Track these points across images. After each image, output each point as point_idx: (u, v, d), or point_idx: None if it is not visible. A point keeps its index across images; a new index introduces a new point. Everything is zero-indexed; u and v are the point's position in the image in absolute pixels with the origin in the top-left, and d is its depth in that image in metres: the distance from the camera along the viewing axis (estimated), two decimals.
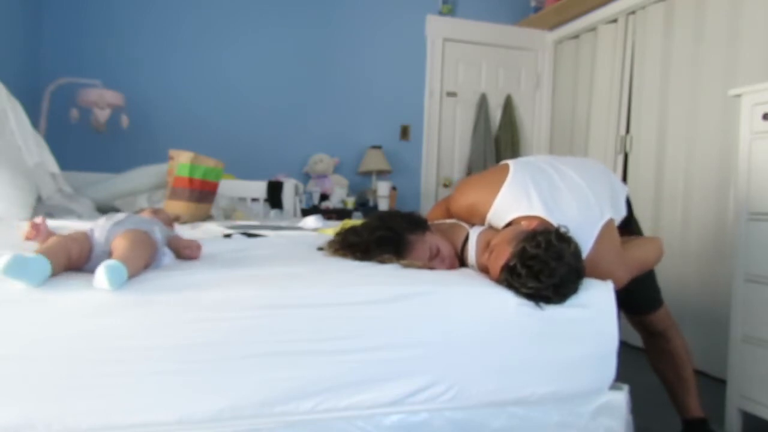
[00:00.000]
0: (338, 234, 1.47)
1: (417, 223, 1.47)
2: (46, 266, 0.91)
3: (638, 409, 1.34)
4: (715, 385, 2.51)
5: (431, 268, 1.37)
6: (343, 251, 1.40)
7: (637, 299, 1.71)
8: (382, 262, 1.33)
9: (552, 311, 1.18)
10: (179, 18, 3.67)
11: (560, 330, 1.18)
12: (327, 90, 3.99)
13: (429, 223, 1.53)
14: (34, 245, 1.13)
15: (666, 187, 3.15)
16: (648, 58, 3.34)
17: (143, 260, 1.05)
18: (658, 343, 1.82)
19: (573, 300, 1.19)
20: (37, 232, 1.11)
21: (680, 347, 1.80)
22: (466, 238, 1.49)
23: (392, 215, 1.50)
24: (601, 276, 1.30)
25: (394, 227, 1.42)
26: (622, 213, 1.56)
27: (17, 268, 0.87)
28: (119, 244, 1.05)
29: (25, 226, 1.14)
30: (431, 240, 1.44)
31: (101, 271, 0.91)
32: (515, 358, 1.15)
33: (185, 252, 1.24)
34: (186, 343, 0.96)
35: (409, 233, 1.41)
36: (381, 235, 1.39)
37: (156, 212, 1.41)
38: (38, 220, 1.13)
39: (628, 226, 1.66)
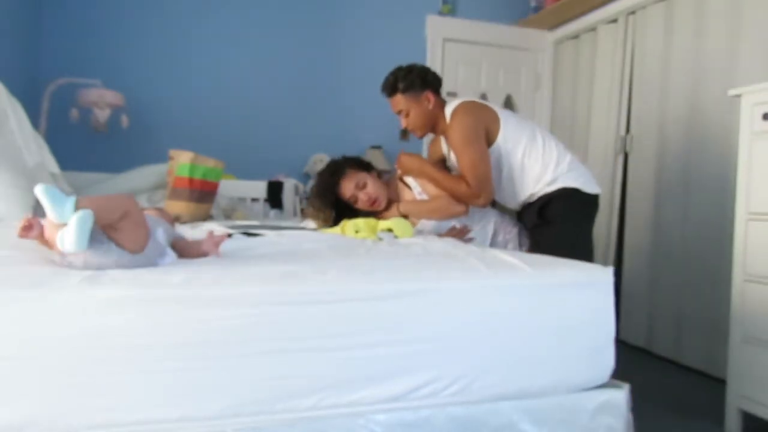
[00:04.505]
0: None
1: (361, 164, 2.15)
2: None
3: (638, 408, 1.35)
4: (715, 385, 2.51)
5: (355, 199, 2.04)
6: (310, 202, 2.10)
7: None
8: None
9: (550, 305, 1.20)
10: (179, 18, 3.67)
11: (559, 323, 1.20)
12: (327, 90, 3.99)
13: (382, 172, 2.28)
14: (29, 243, 1.13)
15: (666, 187, 3.15)
16: (648, 58, 3.34)
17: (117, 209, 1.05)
18: None
19: (571, 292, 1.22)
20: (31, 229, 1.11)
21: None
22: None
23: (346, 158, 2.18)
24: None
25: (340, 162, 2.12)
26: None
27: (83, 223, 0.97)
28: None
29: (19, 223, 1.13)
30: (366, 177, 2.08)
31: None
32: (516, 352, 1.16)
33: (203, 248, 1.25)
34: (187, 341, 0.96)
35: (350, 167, 2.08)
36: (330, 164, 2.11)
37: (160, 212, 1.42)
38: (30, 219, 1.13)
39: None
